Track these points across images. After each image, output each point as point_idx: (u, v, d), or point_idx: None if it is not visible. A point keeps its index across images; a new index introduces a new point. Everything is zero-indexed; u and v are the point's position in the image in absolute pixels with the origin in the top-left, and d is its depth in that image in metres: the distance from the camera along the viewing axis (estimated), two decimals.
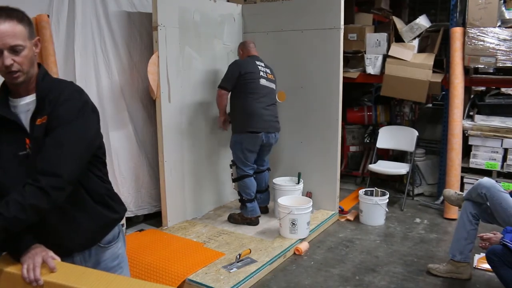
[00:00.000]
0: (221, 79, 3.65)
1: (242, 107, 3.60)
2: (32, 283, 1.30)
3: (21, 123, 1.41)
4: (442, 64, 4.41)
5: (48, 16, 2.99)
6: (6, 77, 1.38)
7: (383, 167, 4.47)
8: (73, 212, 1.47)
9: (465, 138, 4.16)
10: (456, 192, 3.14)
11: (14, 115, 1.41)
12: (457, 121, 4.05)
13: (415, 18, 4.59)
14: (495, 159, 4.06)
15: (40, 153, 1.36)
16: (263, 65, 3.70)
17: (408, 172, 4.38)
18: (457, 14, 4.21)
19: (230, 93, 3.65)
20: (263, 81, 3.64)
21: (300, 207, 3.47)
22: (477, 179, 2.90)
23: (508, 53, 3.84)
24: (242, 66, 3.59)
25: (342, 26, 3.80)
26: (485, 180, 2.82)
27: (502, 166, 4.05)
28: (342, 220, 4.08)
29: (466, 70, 4.12)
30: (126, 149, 3.68)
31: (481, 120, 4.14)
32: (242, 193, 3.72)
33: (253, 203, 3.75)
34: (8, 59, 1.33)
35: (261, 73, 3.64)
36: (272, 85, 3.74)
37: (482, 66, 4.01)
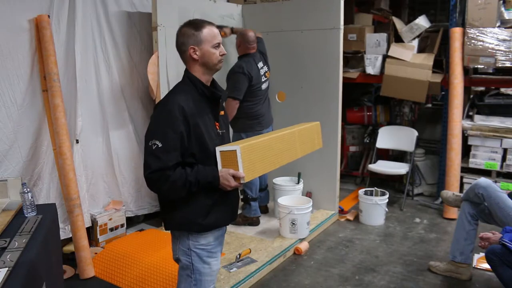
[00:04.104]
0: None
1: (246, 111, 3.60)
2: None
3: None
4: (441, 64, 4.41)
5: (49, 16, 2.99)
6: (217, 65, 1.80)
7: (382, 167, 4.48)
8: None
9: (465, 138, 4.16)
10: (453, 193, 3.15)
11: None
12: (457, 121, 4.06)
13: (415, 19, 4.59)
14: (494, 159, 4.07)
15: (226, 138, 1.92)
16: (261, 64, 3.67)
17: (407, 172, 4.39)
18: (457, 14, 4.21)
19: None
20: (264, 86, 3.68)
21: (300, 207, 3.48)
22: (476, 179, 2.91)
23: (507, 53, 3.85)
24: (250, 75, 3.49)
25: (342, 26, 3.81)
26: (482, 180, 2.83)
27: (501, 166, 4.05)
28: (342, 220, 4.09)
29: (466, 70, 4.13)
30: (127, 149, 3.68)
31: (480, 120, 4.15)
32: (248, 191, 3.74)
33: (256, 203, 3.78)
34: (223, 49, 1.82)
35: (262, 78, 3.65)
36: (267, 84, 3.77)
37: (481, 66, 4.02)
